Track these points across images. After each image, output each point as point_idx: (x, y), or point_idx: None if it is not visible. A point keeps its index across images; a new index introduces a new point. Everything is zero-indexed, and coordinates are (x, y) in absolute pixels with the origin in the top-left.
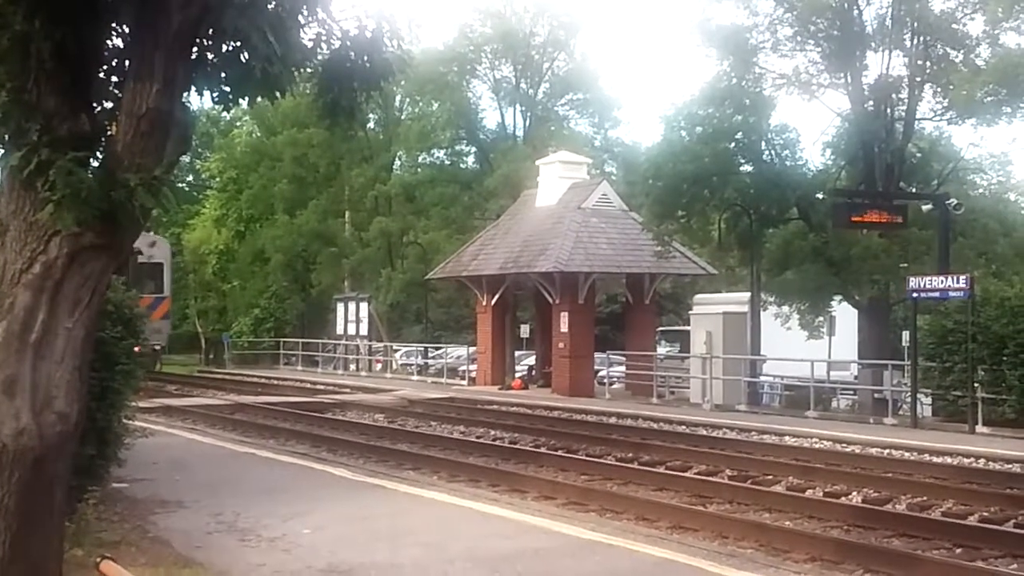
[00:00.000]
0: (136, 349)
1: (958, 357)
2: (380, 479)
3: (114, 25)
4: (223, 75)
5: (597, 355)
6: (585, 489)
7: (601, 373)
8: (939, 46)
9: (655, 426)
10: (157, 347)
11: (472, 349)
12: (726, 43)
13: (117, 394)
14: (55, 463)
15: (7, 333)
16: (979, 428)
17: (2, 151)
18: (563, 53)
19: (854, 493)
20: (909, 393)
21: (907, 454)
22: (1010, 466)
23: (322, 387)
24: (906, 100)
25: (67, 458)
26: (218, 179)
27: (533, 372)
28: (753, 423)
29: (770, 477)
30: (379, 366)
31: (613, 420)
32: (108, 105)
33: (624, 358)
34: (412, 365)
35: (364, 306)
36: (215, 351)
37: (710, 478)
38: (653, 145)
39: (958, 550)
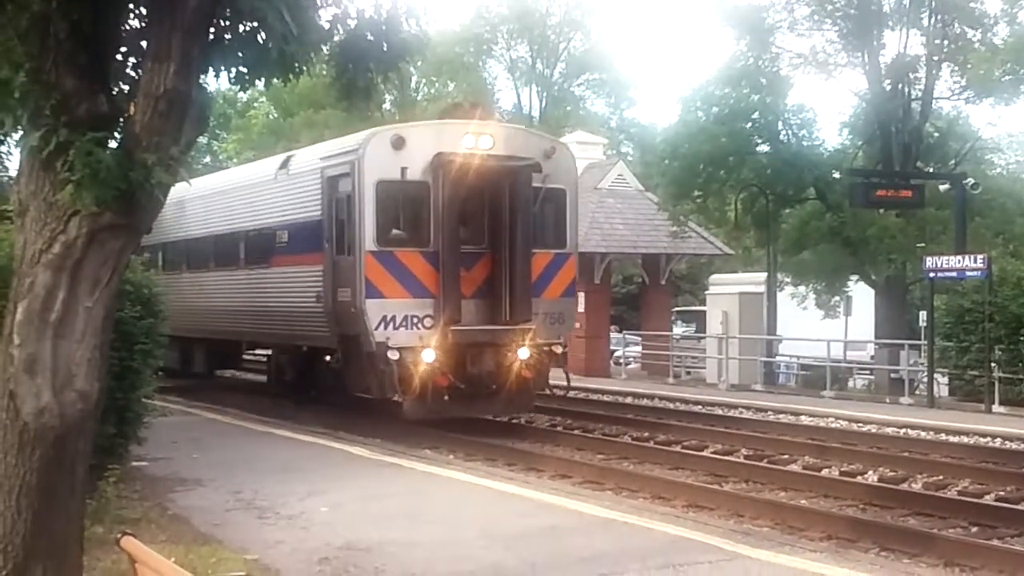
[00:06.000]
0: (521, 356)
1: (975, 337)
2: (397, 458)
3: (131, 6)
4: (240, 55)
5: (613, 335)
6: (601, 468)
7: (617, 353)
8: (957, 25)
9: (671, 406)
10: (557, 348)
11: None
12: (743, 23)
13: (136, 373)
14: (76, 441)
15: (28, 312)
16: (996, 408)
17: (21, 132)
18: (579, 33)
19: (870, 472)
20: (926, 373)
21: (923, 434)
22: None
23: None
24: (923, 79)
25: (88, 436)
26: (235, 160)
27: None
28: (769, 403)
29: (786, 456)
30: None
31: (629, 400)
32: (126, 86)
33: (640, 338)
34: None
35: None
36: None
37: (726, 457)
38: (670, 125)
39: (974, 529)
